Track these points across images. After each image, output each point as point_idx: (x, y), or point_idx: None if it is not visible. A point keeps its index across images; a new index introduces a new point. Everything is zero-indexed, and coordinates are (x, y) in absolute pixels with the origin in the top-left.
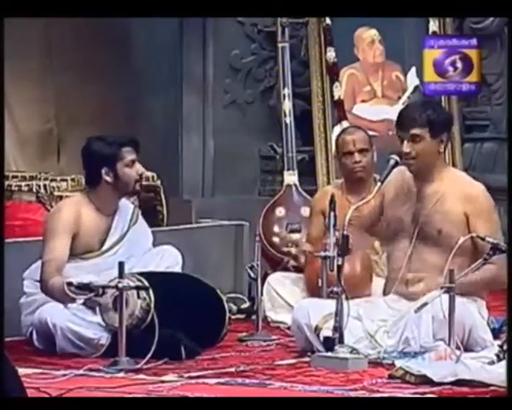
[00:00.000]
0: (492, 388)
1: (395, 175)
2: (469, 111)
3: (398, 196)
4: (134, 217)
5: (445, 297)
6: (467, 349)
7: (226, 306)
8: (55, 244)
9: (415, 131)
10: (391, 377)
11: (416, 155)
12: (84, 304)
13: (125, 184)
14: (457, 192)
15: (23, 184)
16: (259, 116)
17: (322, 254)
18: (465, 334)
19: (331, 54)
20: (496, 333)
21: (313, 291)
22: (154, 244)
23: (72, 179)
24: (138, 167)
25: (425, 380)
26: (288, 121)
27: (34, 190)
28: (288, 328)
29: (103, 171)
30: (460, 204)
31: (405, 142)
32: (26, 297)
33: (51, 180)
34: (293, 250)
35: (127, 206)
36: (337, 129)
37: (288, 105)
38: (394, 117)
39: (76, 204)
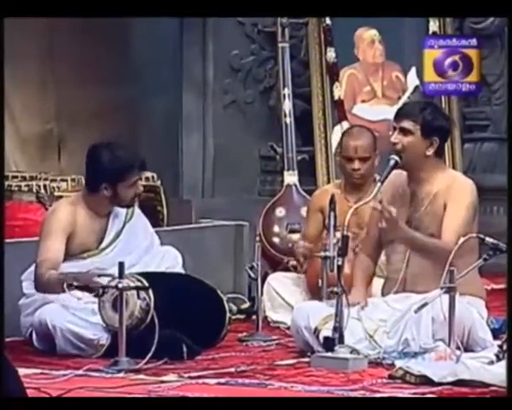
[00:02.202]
0: (492, 388)
1: (391, 178)
2: (469, 111)
3: (395, 199)
4: (129, 213)
5: (445, 297)
6: (467, 349)
7: (226, 306)
8: (50, 245)
9: (406, 124)
10: (391, 377)
11: (402, 148)
12: (86, 290)
13: (122, 201)
14: (444, 189)
15: (23, 184)
16: (259, 116)
17: (323, 254)
18: (465, 334)
19: (331, 54)
20: (496, 333)
21: (313, 291)
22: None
23: (73, 180)
24: (138, 186)
25: (425, 380)
26: (288, 121)
27: (34, 190)
28: (288, 328)
29: (103, 185)
30: (442, 199)
31: (395, 133)
32: (25, 298)
33: (51, 180)
34: (295, 247)
35: None
36: (337, 129)
37: (288, 105)
38: None
39: (72, 204)
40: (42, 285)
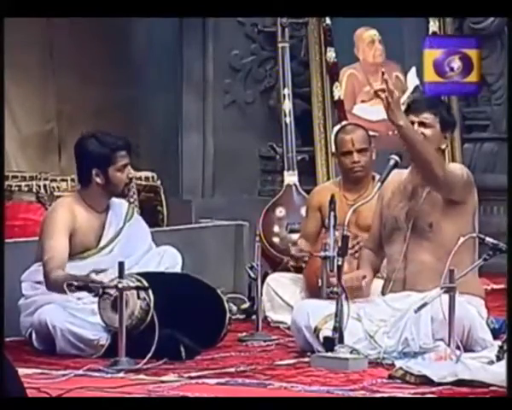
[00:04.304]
0: (492, 388)
1: (393, 177)
2: (469, 111)
3: (395, 195)
4: (129, 213)
5: (445, 297)
6: (466, 349)
7: (226, 306)
8: (54, 243)
9: (426, 116)
10: (391, 377)
11: (426, 139)
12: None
13: (115, 186)
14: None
15: (23, 184)
16: (259, 116)
17: (322, 254)
18: (464, 334)
19: (331, 54)
20: (496, 333)
21: (312, 291)
22: (154, 244)
23: (72, 179)
24: (129, 171)
25: (425, 380)
26: (287, 121)
27: (34, 190)
28: (288, 328)
29: (94, 172)
30: None
31: (415, 125)
32: (24, 299)
33: (51, 180)
34: (293, 250)
35: (121, 203)
36: (337, 129)
37: (288, 105)
38: None
39: (69, 203)
40: (49, 284)
